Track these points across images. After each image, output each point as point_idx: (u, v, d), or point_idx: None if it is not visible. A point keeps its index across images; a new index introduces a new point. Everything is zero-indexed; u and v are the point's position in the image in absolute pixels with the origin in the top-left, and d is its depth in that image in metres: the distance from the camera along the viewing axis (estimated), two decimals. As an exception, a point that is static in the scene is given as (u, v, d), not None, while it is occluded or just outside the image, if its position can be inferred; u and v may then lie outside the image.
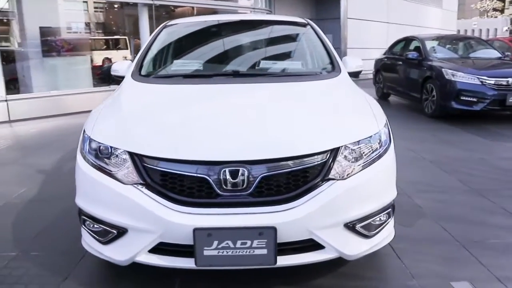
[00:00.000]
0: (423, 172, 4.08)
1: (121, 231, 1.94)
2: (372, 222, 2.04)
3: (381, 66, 9.36)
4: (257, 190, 1.85)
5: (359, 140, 2.02)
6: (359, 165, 1.98)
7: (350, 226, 1.94)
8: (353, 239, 1.98)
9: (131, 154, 1.94)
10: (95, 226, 2.03)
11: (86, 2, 11.19)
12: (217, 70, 2.92)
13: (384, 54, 9.55)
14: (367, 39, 14.58)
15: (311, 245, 1.91)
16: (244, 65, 3.03)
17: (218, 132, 2.00)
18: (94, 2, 11.74)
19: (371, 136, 2.08)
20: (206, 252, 1.83)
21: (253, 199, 1.85)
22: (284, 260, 1.89)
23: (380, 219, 2.08)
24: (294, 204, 1.84)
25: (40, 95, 7.88)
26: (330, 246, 1.91)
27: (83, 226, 2.12)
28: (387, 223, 2.14)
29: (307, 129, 2.02)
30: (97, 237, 2.06)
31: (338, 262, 2.18)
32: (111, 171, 1.97)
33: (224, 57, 3.13)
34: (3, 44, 9.38)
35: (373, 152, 2.06)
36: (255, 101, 2.35)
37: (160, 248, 1.92)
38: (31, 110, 7.48)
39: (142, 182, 1.90)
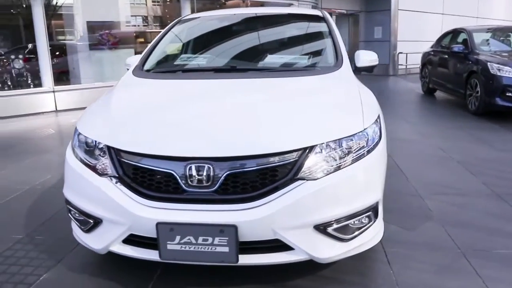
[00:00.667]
0: (446, 172, 3.83)
1: (97, 221, 2.01)
2: (349, 225, 1.95)
3: (427, 60, 8.89)
4: (222, 187, 1.83)
5: (339, 139, 1.94)
6: (336, 165, 1.90)
7: (321, 228, 1.87)
8: (325, 241, 1.90)
9: (109, 148, 2.00)
10: (77, 215, 2.12)
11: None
12: (216, 65, 2.91)
13: (432, 47, 9.04)
14: (419, 32, 13.89)
15: (281, 245, 1.87)
16: (246, 60, 2.99)
17: (188, 128, 2.00)
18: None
19: (353, 135, 1.98)
20: (169, 246, 1.84)
21: (217, 196, 1.83)
22: (247, 259, 1.86)
23: (359, 222, 1.98)
24: (257, 203, 1.80)
25: (85, 86, 8.32)
26: (298, 248, 1.86)
27: (69, 215, 2.22)
28: (369, 226, 2.02)
29: (280, 127, 1.96)
30: (80, 226, 2.15)
31: (321, 264, 2.11)
32: (91, 163, 2.04)
33: (227, 52, 3.11)
34: (58, 38, 9.97)
35: (354, 152, 1.96)
36: (239, 97, 2.31)
37: (133, 240, 1.97)
38: (76, 101, 7.93)
39: (115, 175, 1.96)
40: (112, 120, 2.18)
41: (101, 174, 1.99)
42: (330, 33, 3.08)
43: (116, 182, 1.94)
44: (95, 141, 2.07)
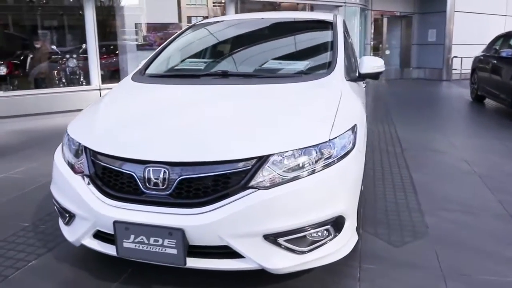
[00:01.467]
0: (462, 187, 3.60)
1: (71, 216, 2.15)
2: (304, 237, 1.92)
3: (476, 65, 8.35)
4: (177, 191, 1.88)
5: (298, 149, 1.91)
6: (291, 175, 1.87)
7: (271, 239, 1.85)
8: (277, 252, 1.88)
9: (85, 148, 2.13)
10: (59, 208, 2.28)
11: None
12: (210, 70, 2.95)
13: (483, 51, 8.48)
14: (478, 35, 13.02)
15: (232, 252, 1.88)
16: (241, 65, 3.02)
17: (152, 133, 2.07)
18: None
19: (316, 145, 1.95)
20: (125, 244, 1.93)
21: (171, 200, 1.89)
22: (195, 263, 1.90)
23: (316, 234, 1.94)
24: (205, 209, 1.83)
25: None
26: (248, 256, 1.86)
27: (55, 207, 2.38)
28: (328, 241, 1.98)
29: (239, 135, 1.97)
30: (61, 218, 2.31)
31: (286, 274, 2.08)
32: (72, 162, 2.19)
33: (226, 57, 3.16)
34: (109, 38, 10.56)
35: (315, 163, 1.92)
36: (213, 104, 2.33)
37: (100, 235, 2.08)
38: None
39: (87, 174, 2.08)
40: (92, 122, 2.32)
41: (77, 172, 2.12)
42: (333, 40, 3.01)
43: (87, 182, 2.06)
44: (78, 142, 2.20)
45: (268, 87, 2.47)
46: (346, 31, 3.82)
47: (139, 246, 1.90)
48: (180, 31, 3.57)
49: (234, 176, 1.86)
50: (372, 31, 13.57)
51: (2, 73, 8.86)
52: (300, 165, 1.91)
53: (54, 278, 2.30)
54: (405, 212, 3.07)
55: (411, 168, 4.14)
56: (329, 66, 2.72)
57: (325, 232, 1.95)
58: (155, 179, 1.89)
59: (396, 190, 3.55)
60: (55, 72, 9.66)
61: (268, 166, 1.86)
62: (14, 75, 9.23)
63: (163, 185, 1.89)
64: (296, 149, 1.92)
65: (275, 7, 11.70)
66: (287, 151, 1.90)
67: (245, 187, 1.84)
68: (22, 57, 9.50)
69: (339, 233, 2.01)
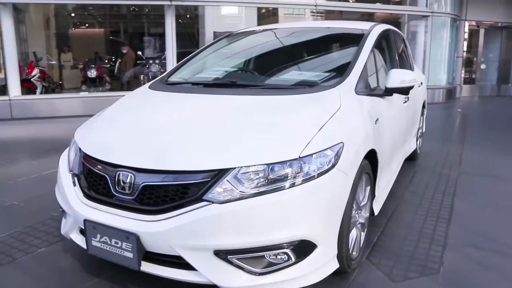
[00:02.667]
0: (509, 223, 3.12)
1: (62, 210, 2.31)
2: (261, 258, 1.82)
3: None
4: (140, 197, 1.91)
5: (262, 164, 1.83)
6: (251, 192, 1.79)
7: (221, 255, 1.79)
8: (229, 270, 1.82)
9: (80, 149, 2.27)
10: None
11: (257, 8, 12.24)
12: (221, 80, 2.95)
13: None
14: None
15: (186, 263, 1.85)
16: (254, 76, 2.97)
17: (129, 138, 2.14)
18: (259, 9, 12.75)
19: (283, 162, 1.84)
20: (93, 242, 2.01)
21: (135, 205, 1.92)
22: (149, 268, 1.92)
23: (275, 257, 1.83)
24: (159, 217, 1.84)
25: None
26: (199, 270, 1.82)
27: None
28: (288, 265, 1.85)
29: (205, 146, 1.94)
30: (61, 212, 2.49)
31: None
32: (69, 161, 2.35)
33: (244, 67, 3.14)
34: (189, 46, 11.16)
35: (279, 180, 1.82)
36: (200, 114, 2.30)
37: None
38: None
39: (75, 173, 2.22)
40: (92, 126, 2.46)
41: (70, 171, 2.27)
42: (356, 52, 2.82)
43: (74, 181, 2.20)
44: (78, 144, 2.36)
45: (264, 99, 2.38)
46: (388, 42, 3.58)
47: (103, 246, 1.97)
48: (217, 39, 3.64)
49: (193, 187, 1.83)
50: (465, 43, 12.44)
51: (92, 76, 9.89)
52: (262, 181, 1.82)
53: (50, 266, 2.47)
54: (424, 244, 2.75)
55: (458, 195, 3.70)
56: (340, 79, 2.56)
57: (284, 255, 1.83)
58: (123, 183, 1.95)
59: (428, 218, 3.19)
60: (140, 76, 10.49)
61: (227, 180, 1.81)
62: (103, 77, 10.22)
63: (129, 190, 1.93)
64: (260, 165, 1.83)
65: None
66: (249, 166, 1.83)
67: (200, 199, 1.80)
68: (111, 61, 10.51)
69: (303, 259, 1.87)
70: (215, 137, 1.99)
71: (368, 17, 15.64)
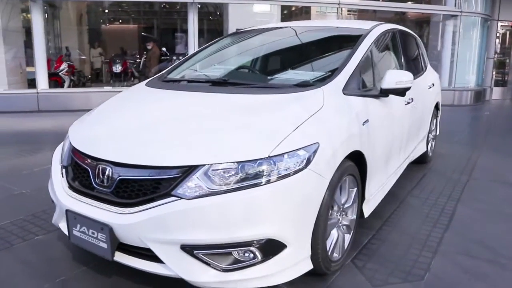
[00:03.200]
0: (504, 232, 3.00)
1: (52, 201, 2.41)
2: (228, 254, 1.85)
3: None
4: (117, 190, 1.97)
5: (232, 162, 1.85)
6: (219, 189, 1.81)
7: (188, 250, 1.83)
8: (196, 264, 1.85)
9: (70, 142, 2.36)
10: None
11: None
12: (215, 78, 2.96)
13: None
14: None
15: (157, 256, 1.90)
16: (248, 74, 2.98)
17: (111, 132, 2.21)
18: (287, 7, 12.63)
19: (252, 160, 1.86)
20: (74, 232, 2.09)
21: (112, 197, 1.98)
22: (123, 259, 1.98)
23: (241, 254, 1.85)
24: (131, 210, 1.89)
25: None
26: (166, 263, 1.86)
27: None
28: (253, 264, 1.87)
29: (178, 142, 1.98)
30: (54, 203, 2.59)
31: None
32: (62, 154, 2.44)
33: (240, 66, 3.15)
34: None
35: (247, 179, 1.83)
36: (183, 111, 2.34)
37: None
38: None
39: (64, 165, 2.31)
40: (84, 120, 2.55)
41: (61, 163, 2.37)
42: (350, 52, 2.78)
43: (62, 172, 2.29)
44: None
45: (249, 98, 2.39)
46: (394, 42, 3.52)
47: (82, 236, 2.05)
48: (218, 38, 3.68)
49: (165, 182, 1.87)
50: (497, 44, 11.94)
51: (117, 71, 10.17)
52: (232, 179, 1.83)
53: (43, 253, 2.58)
54: (415, 249, 2.69)
55: (463, 200, 3.58)
56: (328, 79, 2.53)
57: (250, 253, 1.84)
58: (102, 176, 2.01)
59: (426, 222, 3.11)
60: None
61: (196, 177, 1.84)
62: (128, 72, 10.49)
63: (107, 183, 1.99)
64: (229, 162, 1.85)
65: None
66: (219, 163, 1.85)
67: (169, 194, 1.84)
68: (136, 57, 10.75)
69: (271, 258, 1.88)
70: (191, 134, 2.03)
71: (399, 16, 15.36)
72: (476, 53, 10.79)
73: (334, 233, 2.33)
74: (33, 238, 2.78)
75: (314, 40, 3.30)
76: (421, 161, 4.60)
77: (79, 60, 13.30)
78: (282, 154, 1.89)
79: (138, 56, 11.21)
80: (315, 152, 1.98)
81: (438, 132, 5.21)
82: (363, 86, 2.84)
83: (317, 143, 2.01)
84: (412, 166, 4.54)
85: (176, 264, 1.85)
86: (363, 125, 2.49)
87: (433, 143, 4.95)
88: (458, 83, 10.25)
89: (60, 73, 9.40)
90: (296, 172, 1.90)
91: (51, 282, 2.27)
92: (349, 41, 2.97)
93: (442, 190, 3.86)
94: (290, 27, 3.54)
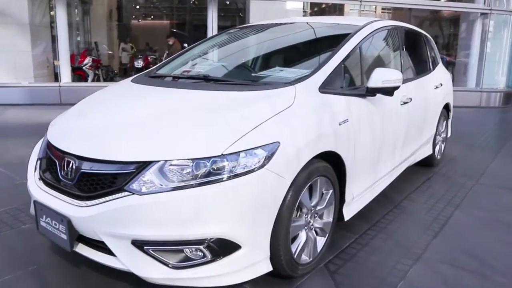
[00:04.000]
0: (506, 242, 2.83)
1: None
2: (179, 252, 1.84)
3: None
4: (79, 183, 1.99)
5: (185, 159, 1.83)
6: (171, 186, 1.81)
7: (138, 245, 1.83)
8: (146, 260, 1.85)
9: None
10: None
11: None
12: (197, 74, 2.94)
13: None
14: None
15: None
16: (231, 71, 2.95)
17: (83, 127, 2.23)
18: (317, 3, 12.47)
19: (206, 158, 1.83)
20: (41, 222, 2.14)
21: (73, 190, 2.01)
22: (82, 250, 2.01)
23: (191, 252, 1.84)
24: (88, 203, 1.91)
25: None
26: (119, 257, 1.87)
27: None
28: (203, 262, 1.85)
29: (136, 138, 1.98)
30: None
31: None
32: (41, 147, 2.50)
33: (226, 63, 3.13)
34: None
35: (199, 176, 1.81)
36: (151, 106, 2.33)
37: None
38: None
39: (39, 157, 2.36)
40: (64, 114, 2.59)
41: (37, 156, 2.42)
42: (334, 50, 2.69)
43: (35, 165, 2.35)
44: None
45: (220, 95, 2.34)
46: (392, 40, 3.40)
47: (47, 226, 2.09)
48: (213, 35, 3.67)
49: (120, 177, 1.88)
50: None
51: (139, 66, 10.34)
52: (186, 176, 1.82)
53: (26, 242, 2.65)
54: (396, 256, 2.58)
55: (462, 206, 3.42)
56: (305, 77, 2.46)
57: (199, 252, 1.83)
58: (66, 169, 2.05)
59: (416, 228, 2.99)
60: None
61: (150, 172, 1.83)
62: (149, 68, 10.66)
63: (71, 176, 2.02)
64: (184, 159, 1.84)
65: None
66: (173, 160, 1.84)
67: (123, 189, 1.85)
68: (157, 52, 10.90)
69: (222, 258, 1.85)
70: (152, 131, 2.02)
71: (433, 14, 14.90)
72: (507, 53, 10.26)
73: (302, 236, 2.27)
74: (20, 227, 2.87)
75: (305, 37, 3.23)
76: (427, 164, 4.44)
77: (107, 55, 13.66)
78: (238, 153, 1.86)
79: (159, 51, 11.38)
80: (274, 151, 1.93)
81: (449, 135, 5.00)
82: (350, 84, 2.75)
83: (278, 142, 1.96)
84: (417, 169, 4.39)
85: (127, 259, 1.85)
86: (340, 125, 2.41)
87: (443, 145, 4.75)
88: (486, 84, 9.79)
89: (83, 67, 9.67)
90: (251, 171, 1.86)
91: (24, 270, 2.33)
92: (339, 39, 2.88)
93: (443, 195, 3.70)
94: (284, 23, 3.48)
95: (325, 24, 3.37)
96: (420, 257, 2.57)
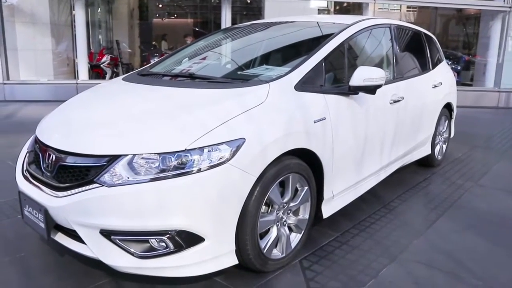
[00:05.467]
0: (489, 250, 2.79)
1: None
2: (144, 242, 1.93)
3: None
4: (57, 174, 2.11)
5: (151, 153, 1.92)
6: (137, 179, 1.89)
7: (105, 234, 1.93)
8: (113, 249, 1.95)
9: None
10: None
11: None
12: (185, 71, 3.01)
13: None
14: None
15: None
16: (216, 69, 3.02)
17: (65, 123, 2.36)
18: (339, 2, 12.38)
19: (170, 152, 1.92)
20: (25, 212, 2.28)
21: (52, 181, 2.12)
22: (59, 239, 2.14)
23: (156, 243, 1.93)
24: (62, 194, 2.02)
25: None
26: (88, 246, 1.98)
27: None
28: (166, 253, 1.94)
29: (109, 133, 2.08)
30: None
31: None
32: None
33: (213, 61, 3.21)
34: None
35: (164, 170, 1.90)
36: (131, 103, 2.43)
37: None
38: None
39: (28, 150, 2.50)
40: (53, 111, 2.72)
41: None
42: (316, 49, 2.72)
43: (24, 157, 2.49)
44: None
45: (196, 92, 2.43)
46: (385, 38, 3.41)
47: (30, 215, 2.22)
48: (208, 34, 3.75)
49: (92, 170, 1.98)
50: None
51: (154, 64, 10.55)
52: (151, 170, 1.90)
53: (19, 231, 2.79)
54: (373, 255, 2.60)
55: (453, 208, 3.38)
56: (281, 75, 2.50)
57: (162, 243, 1.91)
58: (47, 161, 2.17)
59: (399, 228, 2.99)
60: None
61: (119, 165, 1.92)
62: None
63: (51, 168, 2.14)
64: (150, 153, 1.92)
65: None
66: (141, 154, 1.92)
67: (93, 181, 1.95)
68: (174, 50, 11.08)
69: (184, 249, 1.93)
70: (124, 126, 2.12)
71: (457, 13, 14.58)
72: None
73: (273, 231, 2.32)
74: (16, 217, 3.03)
75: (294, 36, 3.26)
76: (427, 164, 4.40)
77: (128, 53, 13.96)
78: (202, 148, 1.93)
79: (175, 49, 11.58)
80: (238, 147, 1.99)
81: (452, 135, 4.93)
82: (333, 82, 2.77)
83: (243, 138, 2.02)
84: (416, 169, 4.36)
85: (96, 247, 1.96)
86: (316, 122, 2.44)
87: (444, 146, 4.68)
88: (505, 84, 9.50)
89: (101, 65, 9.95)
90: (215, 166, 1.93)
91: (12, 256, 2.48)
92: (324, 37, 2.91)
93: (437, 196, 3.67)
94: (278, 23, 3.52)
95: (317, 24, 3.39)
96: (397, 257, 2.58)
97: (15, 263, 2.41)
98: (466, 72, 11.38)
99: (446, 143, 4.75)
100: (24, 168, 2.40)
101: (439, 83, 4.18)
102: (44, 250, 2.57)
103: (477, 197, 3.67)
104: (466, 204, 3.51)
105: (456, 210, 3.37)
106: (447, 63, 4.96)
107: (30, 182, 2.26)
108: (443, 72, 4.45)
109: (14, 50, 8.72)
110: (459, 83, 9.46)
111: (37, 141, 2.37)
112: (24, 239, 2.70)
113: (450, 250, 2.70)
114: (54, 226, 2.13)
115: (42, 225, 2.10)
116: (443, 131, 4.55)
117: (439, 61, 4.48)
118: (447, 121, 4.61)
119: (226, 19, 9.07)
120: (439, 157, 4.54)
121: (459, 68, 10.91)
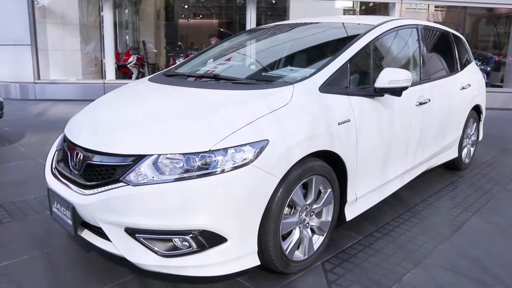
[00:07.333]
0: (509, 251, 2.72)
1: None
2: (168, 241, 1.96)
3: None
4: (84, 173, 2.17)
5: (176, 154, 1.95)
6: (162, 178, 1.93)
7: (130, 232, 1.97)
8: (138, 247, 1.99)
9: None
10: None
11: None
12: (210, 73, 3.01)
13: None
14: None
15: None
16: (242, 70, 3.02)
17: (92, 121, 2.42)
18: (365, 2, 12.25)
19: (195, 153, 1.94)
20: (53, 208, 2.35)
21: (80, 179, 2.18)
22: (86, 236, 2.20)
23: (180, 242, 1.96)
24: (90, 191, 2.07)
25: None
26: (114, 243, 2.03)
27: None
28: (189, 252, 1.96)
29: (136, 133, 2.12)
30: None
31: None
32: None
33: (239, 62, 3.21)
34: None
35: (189, 170, 1.92)
36: (158, 103, 2.46)
37: None
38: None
39: (58, 149, 2.57)
40: (82, 110, 2.79)
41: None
42: (341, 51, 2.70)
43: (53, 155, 2.57)
44: None
45: (223, 93, 2.44)
46: (411, 39, 3.36)
47: (58, 212, 2.29)
48: (234, 35, 3.77)
49: (119, 169, 2.03)
50: None
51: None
52: (176, 170, 1.93)
53: (47, 227, 2.88)
54: (396, 259, 2.56)
55: (481, 212, 3.29)
56: (305, 76, 2.49)
57: (185, 242, 1.93)
58: (75, 159, 2.23)
59: (424, 232, 2.93)
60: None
61: (144, 165, 1.96)
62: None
63: (78, 166, 2.21)
64: (175, 154, 1.95)
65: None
66: (166, 154, 1.96)
67: (119, 180, 1.99)
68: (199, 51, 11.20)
69: (207, 249, 1.95)
70: (150, 126, 2.15)
71: (487, 12, 14.23)
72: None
73: (296, 233, 2.32)
74: (45, 213, 3.13)
75: (320, 37, 3.24)
76: (454, 167, 4.30)
77: (154, 53, 14.19)
78: (226, 149, 1.95)
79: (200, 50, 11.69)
80: (262, 148, 1.99)
81: (480, 138, 4.79)
82: (359, 84, 2.75)
83: (266, 140, 2.02)
84: (443, 172, 4.27)
85: (121, 245, 2.00)
86: (340, 124, 2.42)
87: (472, 149, 4.56)
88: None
89: (128, 65, 10.15)
90: (238, 167, 1.94)
91: (41, 251, 2.56)
92: (349, 39, 2.88)
93: (463, 200, 3.58)
94: (302, 23, 3.50)
95: (342, 24, 3.36)
96: (421, 262, 2.54)
97: (43, 258, 2.49)
98: (496, 73, 11.06)
99: (474, 146, 4.63)
100: (53, 166, 2.48)
101: (468, 84, 4.08)
102: (71, 246, 2.64)
103: (505, 203, 3.56)
104: (493, 209, 3.41)
105: (483, 215, 3.28)
106: (476, 64, 4.83)
107: (59, 179, 2.33)
108: (472, 74, 4.34)
109: (45, 50, 9.00)
110: (488, 85, 9.22)
111: (65, 139, 2.44)
112: (52, 235, 2.78)
113: (477, 256, 2.64)
114: (81, 223, 2.19)
115: (70, 221, 2.16)
116: (471, 134, 4.44)
117: (468, 62, 4.37)
118: (475, 124, 4.49)
119: (251, 19, 9.11)
120: (467, 160, 4.43)
121: (488, 69, 10.62)
